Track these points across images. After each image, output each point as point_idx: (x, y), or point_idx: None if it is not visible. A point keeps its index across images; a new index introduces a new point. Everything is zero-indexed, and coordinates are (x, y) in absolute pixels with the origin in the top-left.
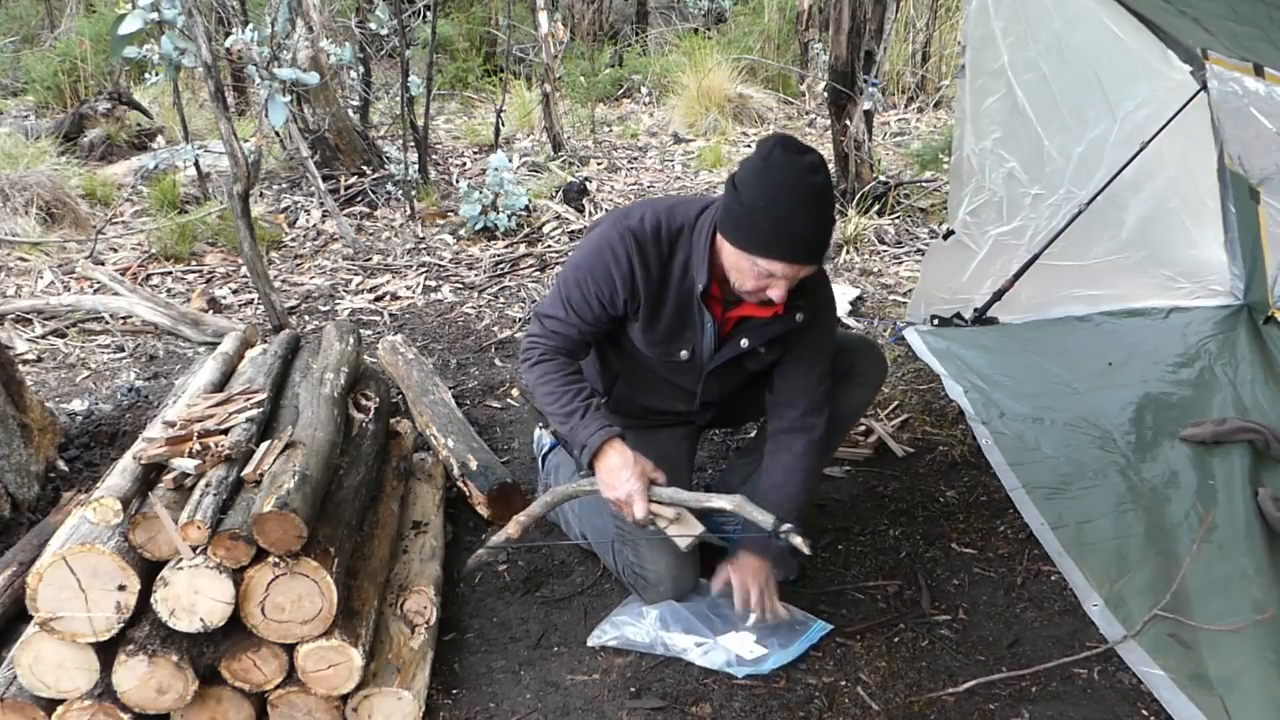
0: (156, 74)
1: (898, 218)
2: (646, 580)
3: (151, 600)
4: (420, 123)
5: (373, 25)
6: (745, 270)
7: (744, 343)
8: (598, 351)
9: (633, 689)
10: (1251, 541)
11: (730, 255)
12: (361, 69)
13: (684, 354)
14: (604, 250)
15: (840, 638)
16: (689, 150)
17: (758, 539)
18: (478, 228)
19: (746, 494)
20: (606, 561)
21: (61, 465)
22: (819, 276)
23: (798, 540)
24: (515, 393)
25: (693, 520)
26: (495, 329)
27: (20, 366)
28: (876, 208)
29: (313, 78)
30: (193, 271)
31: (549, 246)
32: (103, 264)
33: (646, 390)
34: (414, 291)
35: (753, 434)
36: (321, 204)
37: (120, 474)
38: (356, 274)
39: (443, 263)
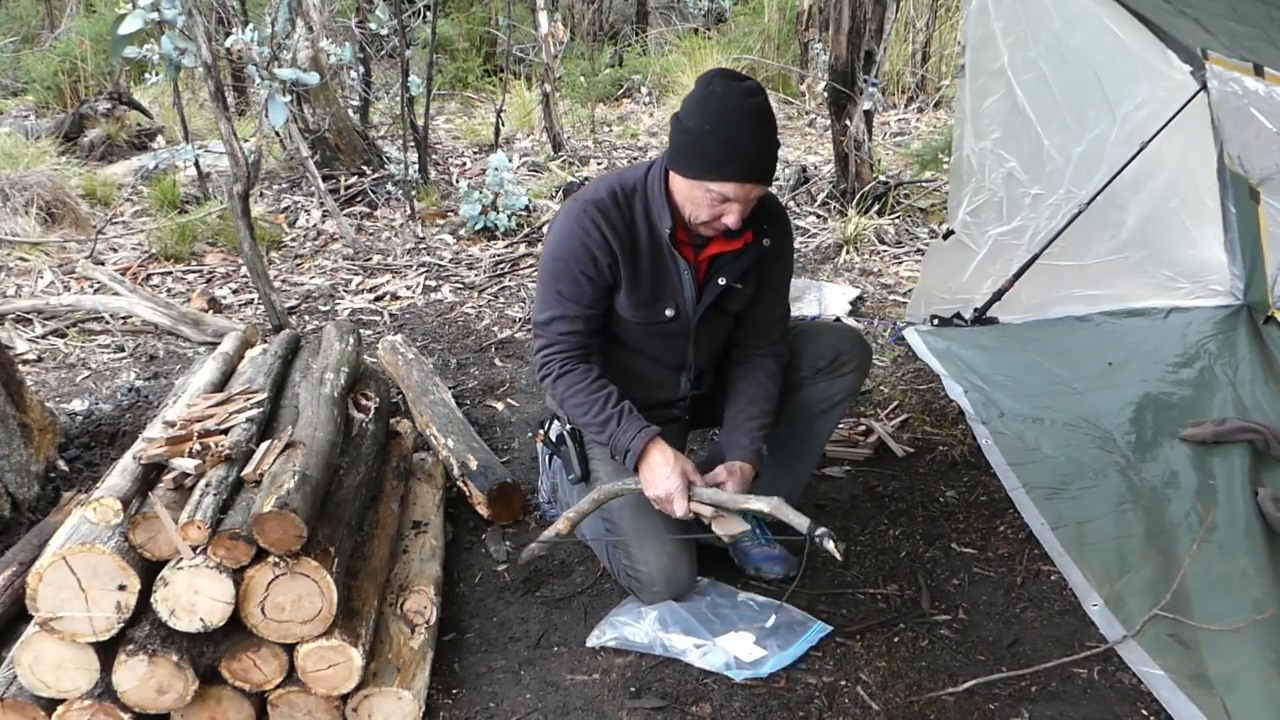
0: (156, 74)
1: (898, 218)
2: (640, 581)
3: (151, 600)
4: (420, 123)
5: (373, 25)
6: (699, 199)
7: (721, 280)
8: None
9: (633, 689)
10: (1251, 541)
11: (683, 187)
12: (361, 69)
13: (669, 311)
14: (572, 230)
15: (840, 638)
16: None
17: (750, 452)
18: (478, 228)
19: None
20: (604, 562)
21: (61, 465)
22: (777, 205)
23: (830, 545)
24: (530, 384)
25: (736, 518)
26: (495, 329)
27: (20, 366)
28: (876, 208)
29: (313, 78)
30: (193, 271)
31: None
32: (103, 264)
33: (634, 378)
34: (414, 291)
35: None
36: (321, 204)
37: (120, 474)
38: (356, 274)
39: (443, 263)
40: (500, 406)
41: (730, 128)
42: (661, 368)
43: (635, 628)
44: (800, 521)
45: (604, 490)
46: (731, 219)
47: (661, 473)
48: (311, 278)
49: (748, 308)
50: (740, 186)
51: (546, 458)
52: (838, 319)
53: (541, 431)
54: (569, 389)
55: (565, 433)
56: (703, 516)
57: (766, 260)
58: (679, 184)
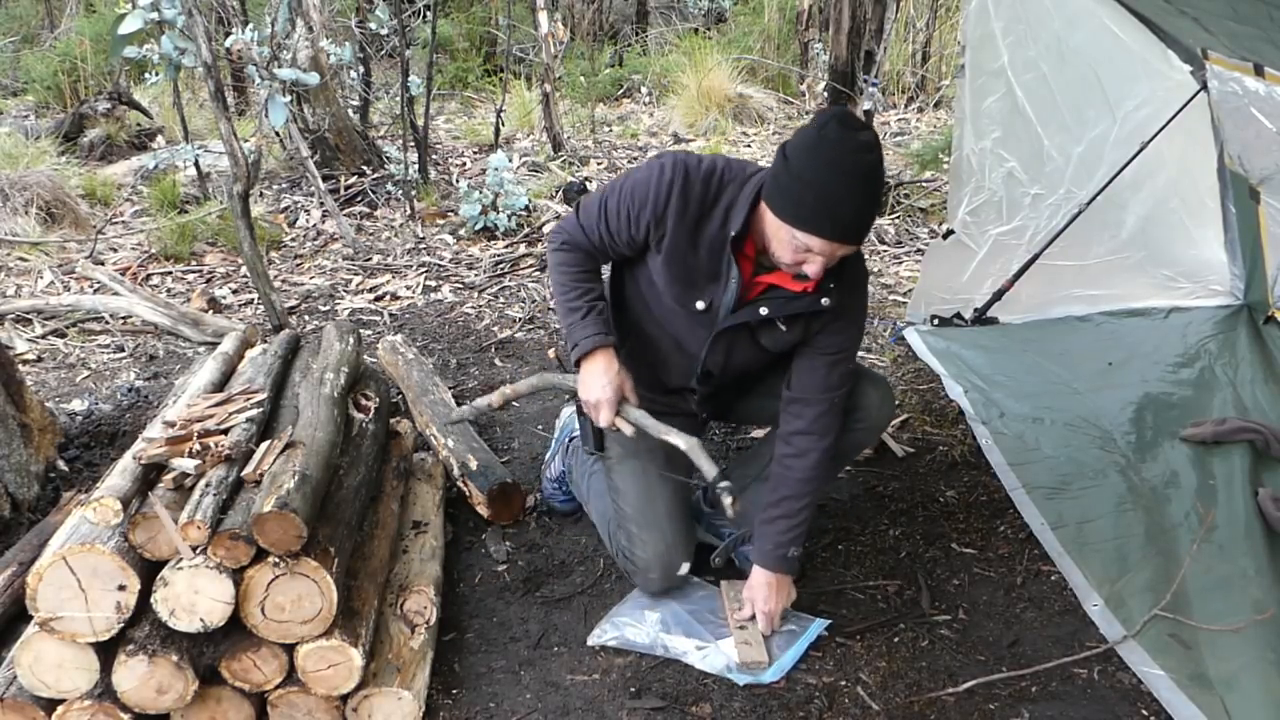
0: (156, 74)
1: (898, 218)
2: (636, 565)
3: (151, 600)
4: (420, 123)
5: (373, 25)
6: (784, 241)
7: (764, 310)
8: (617, 305)
9: (633, 689)
10: (1251, 541)
11: (771, 224)
12: (361, 69)
13: (700, 304)
14: (654, 171)
15: (840, 638)
16: (689, 150)
17: (772, 557)
18: (478, 228)
19: (751, 500)
20: (605, 541)
21: (61, 465)
22: (858, 267)
23: (727, 501)
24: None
25: (760, 647)
26: (495, 329)
27: (20, 366)
28: None
29: (313, 78)
30: (193, 271)
31: None
32: (103, 264)
33: (654, 353)
34: (414, 291)
35: (752, 433)
36: (321, 204)
37: (120, 474)
38: (356, 274)
39: (443, 263)
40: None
41: (832, 184)
42: (680, 353)
43: (637, 628)
44: (709, 469)
45: (544, 377)
46: (813, 269)
47: (599, 380)
48: (311, 278)
49: (799, 365)
50: (828, 244)
51: (567, 440)
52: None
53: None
54: (562, 264)
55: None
56: (624, 429)
57: (821, 319)
58: (769, 218)
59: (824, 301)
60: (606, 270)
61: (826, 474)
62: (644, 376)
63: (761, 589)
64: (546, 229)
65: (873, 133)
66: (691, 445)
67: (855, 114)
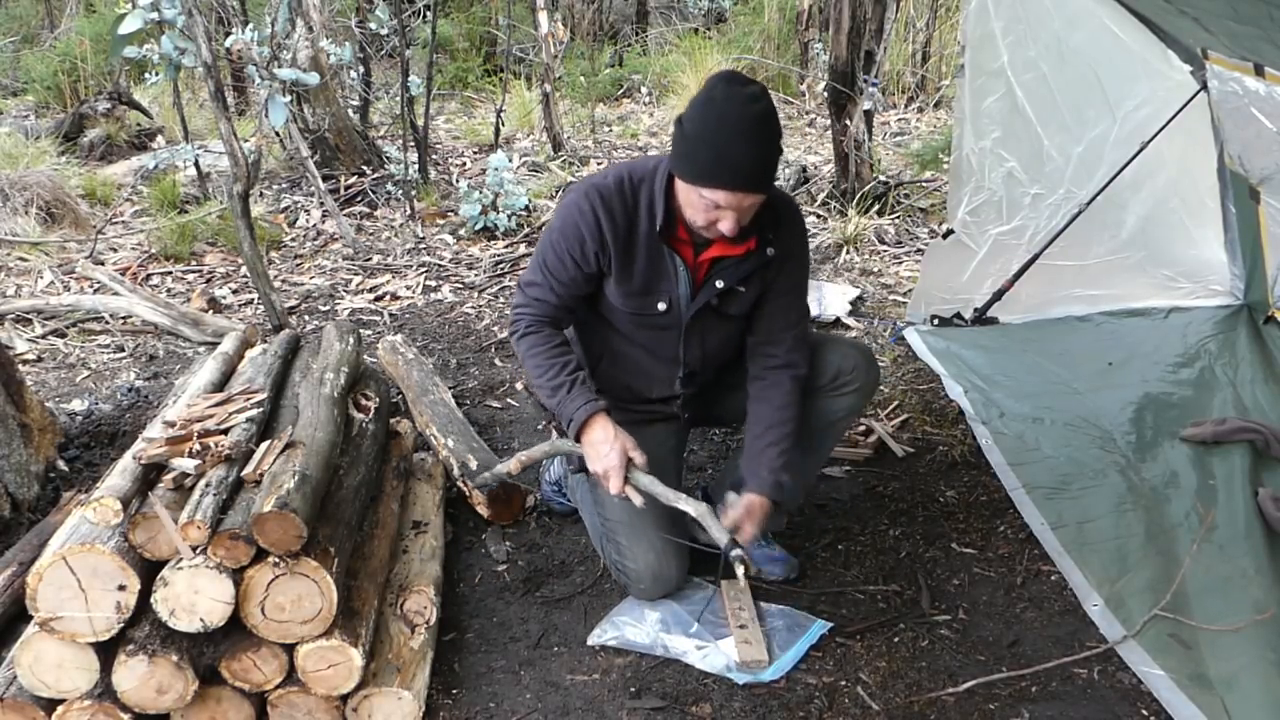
0: (156, 74)
1: (898, 218)
2: (628, 576)
3: (151, 600)
4: (420, 123)
5: (373, 25)
6: (694, 203)
7: (719, 284)
8: (580, 328)
9: (633, 689)
10: (1251, 541)
11: (681, 191)
12: (361, 69)
13: (661, 305)
14: (571, 210)
15: (840, 638)
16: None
17: (769, 484)
18: (478, 228)
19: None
20: (600, 555)
21: (61, 465)
22: (790, 209)
23: (740, 570)
24: (519, 386)
25: (760, 646)
26: (495, 329)
27: (20, 366)
28: (876, 208)
29: (313, 78)
30: (193, 271)
31: None
32: (103, 264)
33: (631, 368)
34: (414, 291)
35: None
36: (321, 204)
37: (120, 474)
38: (356, 274)
39: (443, 263)
40: (500, 406)
41: (725, 136)
42: (655, 361)
43: (637, 628)
44: (720, 536)
45: (556, 444)
46: (726, 225)
47: (601, 449)
48: (311, 278)
49: (757, 313)
50: (732, 195)
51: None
52: (838, 319)
53: (551, 420)
54: (530, 349)
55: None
56: (636, 498)
57: (772, 266)
58: (679, 186)
59: (769, 252)
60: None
61: (801, 405)
62: (626, 393)
63: (756, 508)
64: (547, 225)
65: (759, 85)
66: (702, 512)
67: (741, 73)
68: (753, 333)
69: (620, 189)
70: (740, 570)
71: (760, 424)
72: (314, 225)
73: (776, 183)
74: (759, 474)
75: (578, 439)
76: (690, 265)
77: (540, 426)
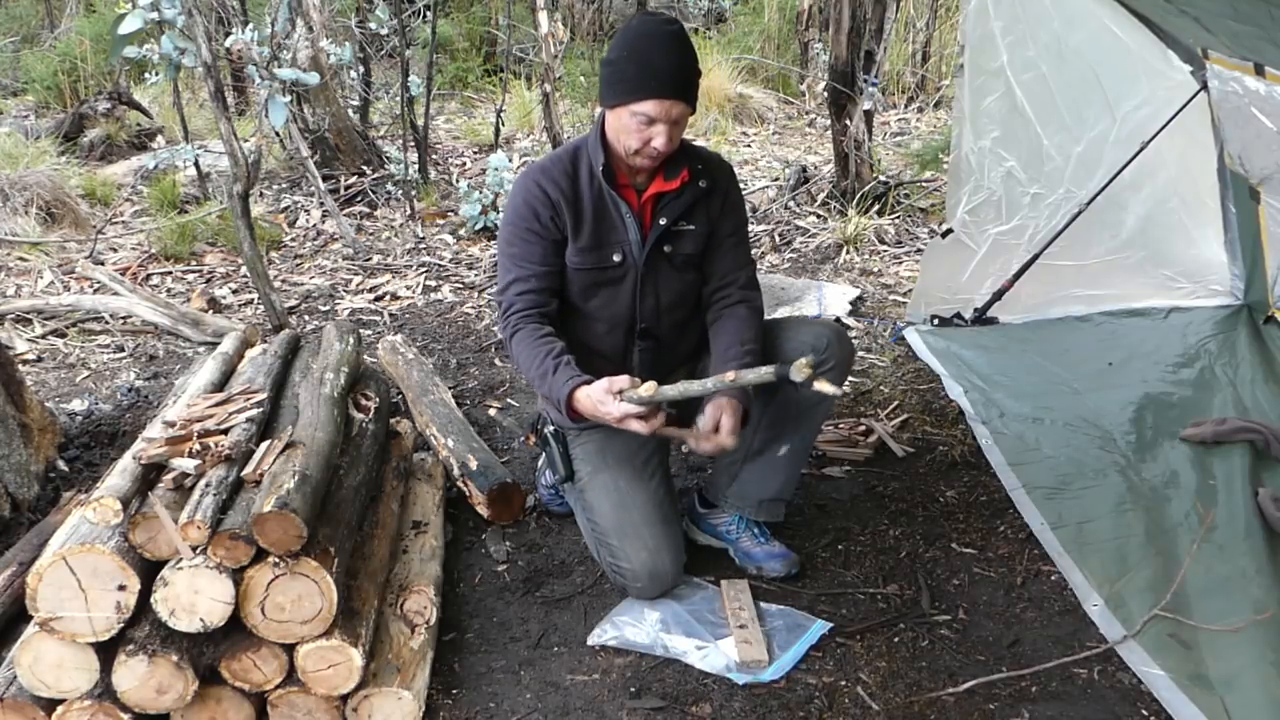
0: (156, 74)
1: (898, 218)
2: (624, 576)
3: (151, 600)
4: (420, 123)
5: (373, 25)
6: (628, 126)
7: (663, 220)
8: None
9: (633, 689)
10: (1251, 541)
11: (612, 121)
12: (361, 69)
13: (616, 256)
14: (518, 195)
15: (840, 638)
16: None
17: (737, 390)
18: (478, 228)
19: (745, 480)
20: (596, 559)
21: (61, 465)
22: (716, 156)
23: (814, 382)
24: (530, 384)
25: (760, 646)
26: (495, 329)
27: (20, 366)
28: (876, 208)
29: (313, 78)
30: (193, 271)
31: None
32: (103, 264)
33: (588, 346)
34: (414, 291)
35: None
36: (321, 204)
37: (120, 474)
38: (356, 274)
39: (443, 263)
40: (500, 406)
41: (646, 51)
42: (611, 327)
43: (637, 628)
44: (766, 371)
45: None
46: (660, 140)
47: (600, 409)
48: (311, 278)
49: (706, 259)
50: (660, 104)
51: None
52: (838, 319)
53: (533, 433)
54: (519, 347)
55: (549, 433)
56: (659, 398)
57: (711, 201)
58: (609, 119)
59: (702, 184)
60: None
61: (762, 323)
62: (588, 371)
63: (728, 409)
64: None
65: (673, 15)
66: (737, 374)
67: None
68: (706, 281)
69: (557, 159)
70: (815, 382)
71: (721, 344)
72: (314, 225)
73: (776, 183)
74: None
75: (571, 419)
76: (635, 209)
77: (522, 439)
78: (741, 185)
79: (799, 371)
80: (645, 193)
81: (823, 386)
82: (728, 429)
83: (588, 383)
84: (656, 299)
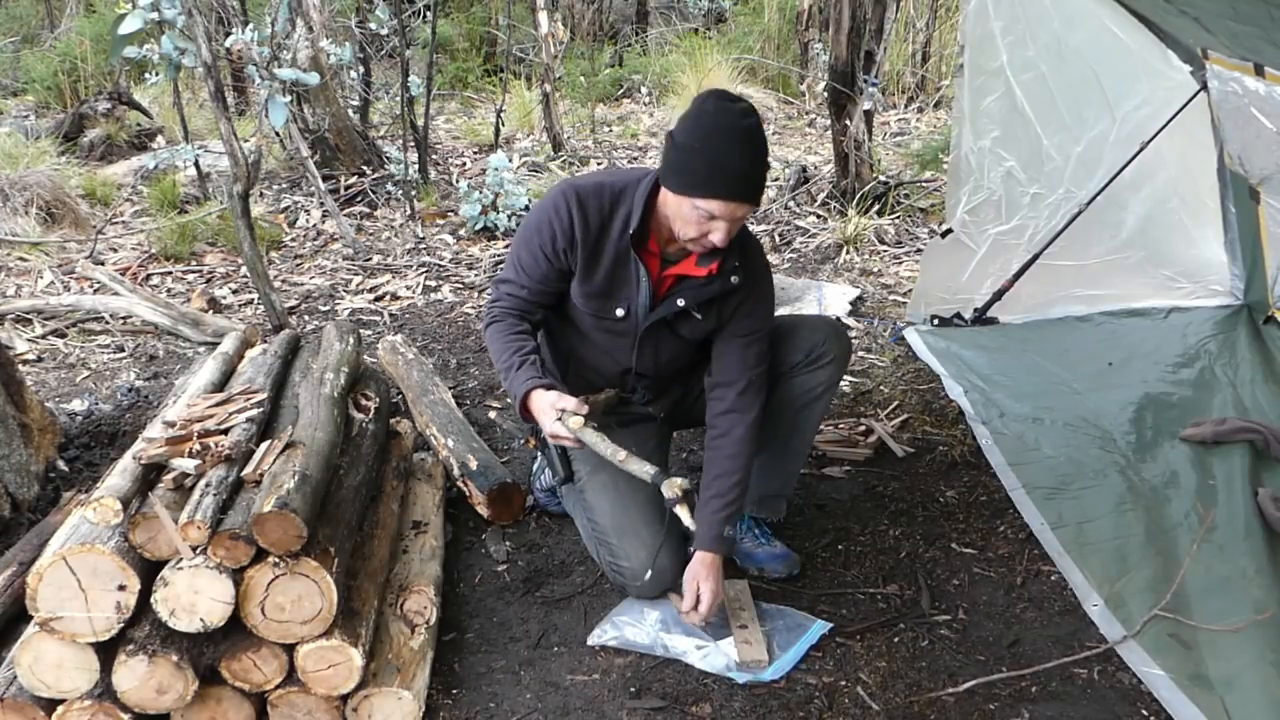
0: (156, 74)
1: (898, 218)
2: (624, 576)
3: (151, 600)
4: (420, 123)
5: (373, 25)
6: (688, 216)
7: (680, 302)
8: (549, 329)
9: (633, 689)
10: (1251, 541)
11: (672, 204)
12: (361, 69)
13: (619, 311)
14: (547, 207)
15: (840, 638)
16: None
17: (709, 538)
18: (478, 228)
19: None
20: (595, 559)
21: (61, 465)
22: (757, 250)
23: (667, 494)
24: None
25: (760, 646)
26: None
27: (20, 366)
28: (876, 208)
29: (313, 78)
30: (193, 271)
31: None
32: (103, 264)
33: (590, 369)
34: (414, 291)
35: None
36: (321, 204)
37: (120, 474)
38: (356, 274)
39: (443, 263)
40: (500, 406)
41: (720, 147)
42: (611, 362)
43: (637, 628)
44: (646, 469)
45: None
46: (718, 236)
47: (538, 414)
48: (311, 278)
49: (715, 346)
50: (726, 205)
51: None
52: (837, 319)
53: (532, 435)
54: (494, 337)
55: (547, 435)
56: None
57: (732, 299)
58: (669, 200)
59: (734, 280)
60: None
61: (754, 448)
62: (592, 390)
63: (704, 571)
64: None
65: (748, 102)
66: (623, 459)
67: (728, 90)
68: (710, 373)
69: (599, 192)
70: (668, 494)
71: (710, 473)
72: (314, 225)
73: (776, 183)
74: (701, 531)
75: (523, 415)
76: (654, 279)
77: (520, 441)
78: None
79: (670, 489)
80: (671, 268)
81: (681, 513)
82: (706, 604)
83: (545, 387)
84: (655, 357)
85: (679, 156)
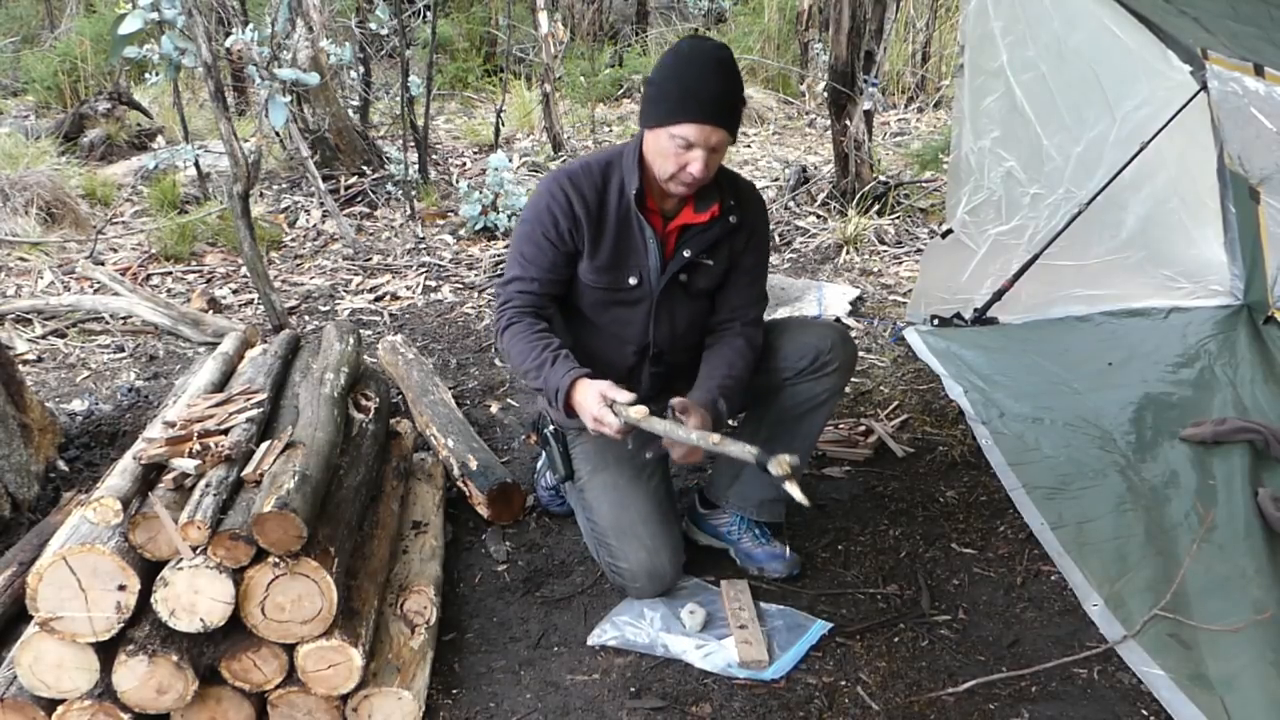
0: (156, 74)
1: (898, 218)
2: (623, 576)
3: (151, 600)
4: (420, 123)
5: (373, 25)
6: (665, 149)
7: (687, 253)
8: (554, 329)
9: (633, 689)
10: (1251, 541)
11: (651, 144)
12: (361, 69)
13: (632, 280)
14: (542, 197)
15: (840, 638)
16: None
17: (705, 401)
18: (478, 228)
19: (745, 481)
20: (596, 560)
21: (61, 465)
22: (751, 190)
23: (775, 471)
24: (519, 383)
25: (760, 646)
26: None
27: (20, 366)
28: (876, 208)
29: (313, 78)
30: (193, 271)
31: None
32: (103, 264)
33: (603, 364)
34: (414, 291)
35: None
36: (321, 204)
37: (120, 474)
38: (356, 274)
39: (443, 263)
40: (500, 407)
41: (691, 73)
42: (623, 345)
43: (637, 628)
44: (747, 449)
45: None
46: (696, 166)
47: (583, 404)
48: (311, 278)
49: (720, 290)
50: (700, 129)
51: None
52: (837, 319)
53: (533, 433)
54: (513, 339)
55: (549, 433)
56: (641, 424)
57: (736, 238)
58: (648, 140)
59: (732, 219)
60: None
61: (752, 363)
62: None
63: (695, 411)
64: None
65: (721, 42)
66: (719, 440)
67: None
68: (715, 311)
69: (587, 169)
70: (775, 471)
71: (709, 366)
72: (314, 225)
73: (776, 183)
74: (696, 395)
75: (566, 411)
76: (660, 235)
77: (523, 437)
78: None
79: (779, 466)
80: (672, 221)
81: (792, 490)
82: (695, 419)
83: (590, 377)
84: (671, 325)
85: (653, 91)
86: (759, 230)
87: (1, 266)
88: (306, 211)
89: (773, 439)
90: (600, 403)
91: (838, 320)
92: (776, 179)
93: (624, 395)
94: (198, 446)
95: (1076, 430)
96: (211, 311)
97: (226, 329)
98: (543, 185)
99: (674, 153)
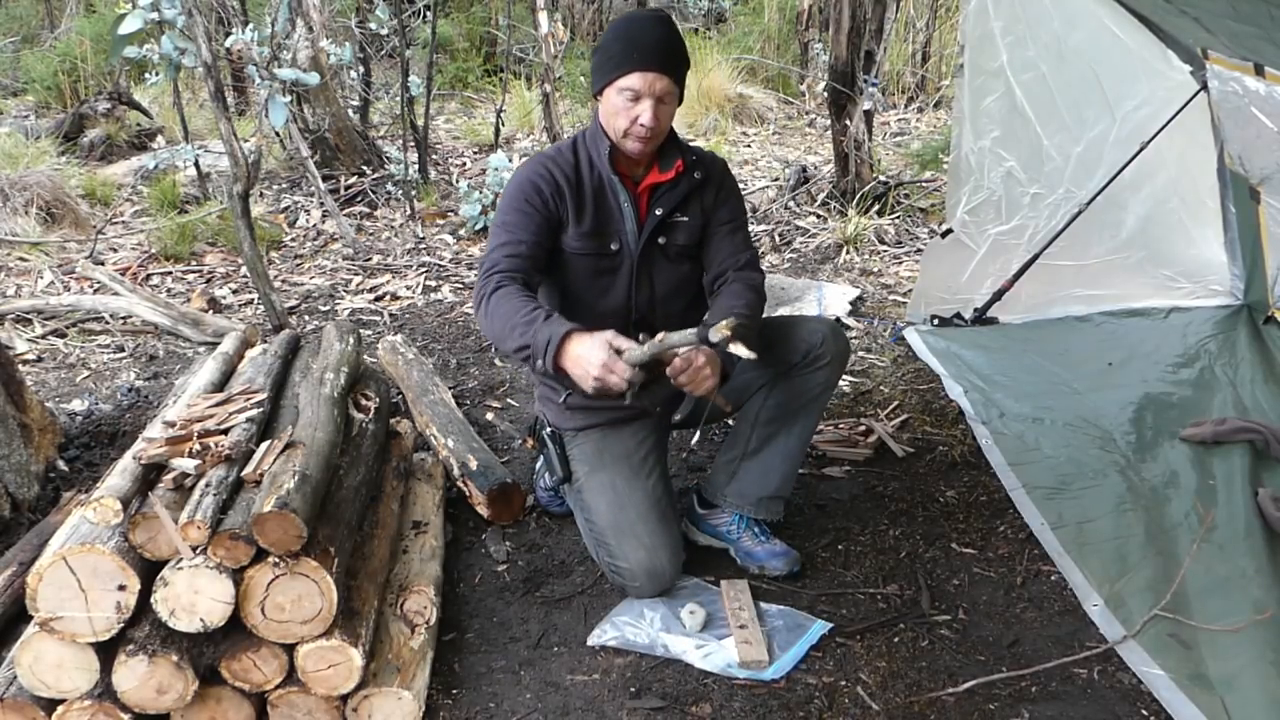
0: (156, 74)
1: (898, 218)
2: (623, 576)
3: (151, 600)
4: (420, 123)
5: (373, 25)
6: (616, 107)
7: (659, 210)
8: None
9: (633, 689)
10: (1251, 541)
11: (603, 107)
12: (361, 69)
13: (614, 244)
14: (519, 175)
15: (840, 638)
16: None
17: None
18: (478, 228)
19: (741, 479)
20: (595, 560)
21: (61, 465)
22: (712, 154)
23: (734, 348)
24: (529, 384)
25: (760, 646)
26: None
27: (20, 366)
28: (876, 208)
29: (313, 78)
30: (193, 271)
31: None
32: (103, 264)
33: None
34: (414, 291)
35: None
36: (321, 204)
37: (120, 474)
38: (356, 274)
39: (443, 263)
40: (500, 407)
41: (631, 29)
42: (606, 315)
43: (637, 628)
44: (688, 333)
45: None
46: (646, 116)
47: (587, 355)
48: (311, 278)
49: (704, 248)
50: (643, 76)
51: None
52: (837, 319)
53: (530, 436)
54: (499, 301)
55: (547, 434)
56: (638, 371)
57: (705, 192)
58: (601, 107)
59: (696, 175)
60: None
61: (758, 299)
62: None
63: (702, 353)
64: None
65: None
66: (685, 335)
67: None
68: (706, 269)
69: (558, 150)
70: (734, 348)
71: (717, 302)
72: (314, 225)
73: (776, 183)
74: (708, 321)
75: (556, 368)
76: (633, 195)
77: (518, 442)
78: (741, 186)
79: (718, 332)
80: (641, 183)
81: (738, 349)
82: (702, 359)
83: (586, 330)
84: (652, 289)
85: (597, 55)
86: (726, 183)
87: (1, 266)
88: (306, 211)
89: (767, 436)
90: (608, 350)
91: (835, 319)
92: (776, 179)
93: (625, 342)
94: (198, 446)
95: (1076, 430)
96: (211, 311)
97: (226, 329)
98: (519, 169)
99: (624, 108)
